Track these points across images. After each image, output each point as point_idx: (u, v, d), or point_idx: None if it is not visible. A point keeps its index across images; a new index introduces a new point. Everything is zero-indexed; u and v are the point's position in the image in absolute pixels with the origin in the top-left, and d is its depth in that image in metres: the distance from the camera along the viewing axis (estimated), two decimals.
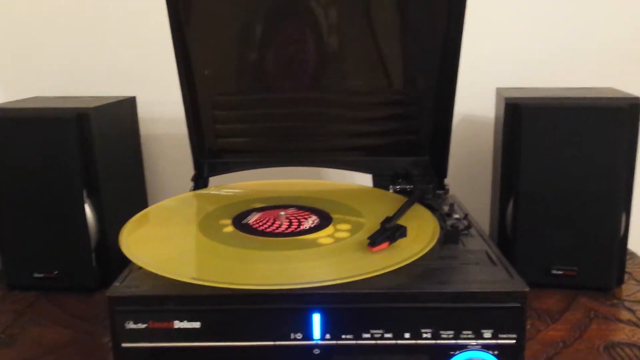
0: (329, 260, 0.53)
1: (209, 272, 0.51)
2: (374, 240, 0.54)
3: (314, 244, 0.57)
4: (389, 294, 0.49)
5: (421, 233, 0.59)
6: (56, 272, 0.78)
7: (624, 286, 0.77)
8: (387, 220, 0.58)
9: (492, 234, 0.88)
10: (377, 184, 0.78)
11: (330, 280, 0.48)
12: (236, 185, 0.77)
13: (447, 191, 0.76)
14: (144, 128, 0.95)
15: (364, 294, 0.49)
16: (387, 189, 0.77)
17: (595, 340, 0.65)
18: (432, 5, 0.71)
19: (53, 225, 0.76)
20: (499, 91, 0.86)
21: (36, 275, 0.78)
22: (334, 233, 0.60)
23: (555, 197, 0.74)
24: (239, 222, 0.63)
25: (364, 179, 0.80)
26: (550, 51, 0.94)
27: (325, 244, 0.57)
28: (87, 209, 0.77)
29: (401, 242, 0.56)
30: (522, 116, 0.74)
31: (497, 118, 0.88)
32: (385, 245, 0.55)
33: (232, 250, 0.55)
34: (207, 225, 0.62)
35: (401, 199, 0.70)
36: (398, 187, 0.76)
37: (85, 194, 0.77)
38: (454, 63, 0.71)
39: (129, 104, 0.88)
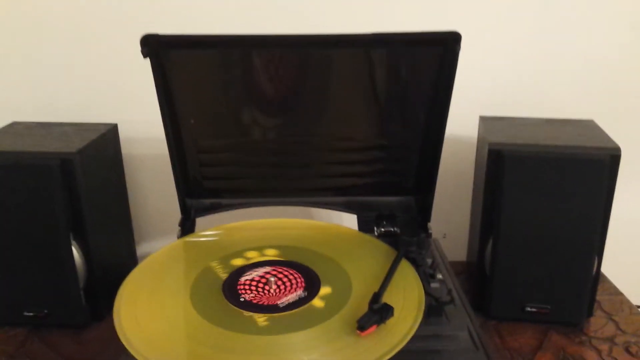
0: (320, 350, 0.55)
1: None
2: (363, 325, 0.56)
3: (305, 322, 0.59)
4: None
5: (407, 305, 0.61)
6: (46, 310, 0.79)
7: (592, 319, 0.82)
8: (374, 298, 0.60)
9: (471, 265, 0.91)
10: (362, 224, 0.79)
11: None
12: (222, 227, 0.78)
13: (429, 235, 0.78)
14: (126, 147, 0.93)
15: None
16: (372, 230, 0.79)
17: None
18: (423, 62, 0.70)
19: (41, 266, 0.76)
20: (482, 122, 0.87)
21: (26, 313, 0.79)
22: (323, 304, 0.62)
23: (533, 240, 0.77)
24: (230, 289, 0.64)
25: (350, 218, 0.81)
26: (534, 76, 0.94)
27: (316, 323, 0.59)
28: (74, 250, 0.77)
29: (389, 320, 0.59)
30: (505, 164, 0.75)
31: (478, 148, 0.89)
32: (373, 328, 0.57)
33: (224, 335, 0.57)
34: (198, 296, 0.63)
35: (385, 249, 0.72)
36: (383, 229, 0.78)
37: (71, 236, 0.77)
38: (442, 113, 0.71)
39: (111, 134, 0.86)
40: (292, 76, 0.72)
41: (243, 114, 0.75)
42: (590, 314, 0.82)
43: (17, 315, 0.79)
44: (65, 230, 0.75)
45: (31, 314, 0.79)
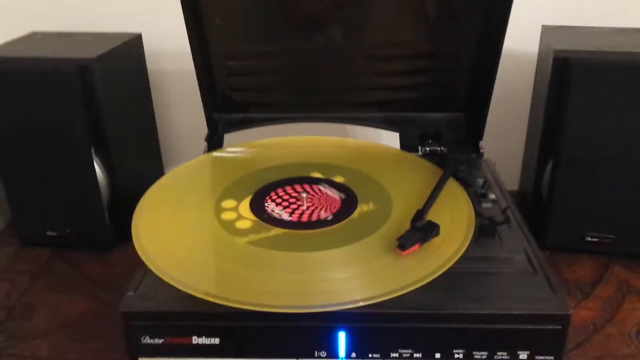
0: (356, 269, 0.49)
1: (227, 285, 0.48)
2: (404, 243, 0.50)
3: (339, 240, 0.53)
4: (420, 315, 0.46)
5: (454, 225, 0.55)
6: (69, 230, 0.75)
7: None
8: (418, 216, 0.53)
9: (525, 191, 0.83)
10: (404, 143, 0.72)
11: (358, 302, 0.45)
12: (252, 144, 0.72)
13: (481, 155, 0.70)
14: (151, 62, 0.87)
15: (393, 315, 0.46)
16: (415, 149, 0.71)
17: (627, 322, 0.63)
18: None
19: (63, 183, 0.72)
20: (545, 32, 0.77)
21: (49, 233, 0.76)
22: (360, 222, 0.56)
23: (599, 161, 0.69)
24: (258, 204, 0.59)
25: (390, 137, 0.74)
26: None
27: (352, 241, 0.53)
28: (97, 166, 0.73)
29: (433, 239, 0.52)
30: (571, 74, 0.66)
31: (540, 61, 0.79)
32: (416, 247, 0.51)
33: (251, 251, 0.52)
34: (224, 212, 0.58)
35: (430, 168, 0.65)
36: (427, 148, 0.71)
37: (93, 151, 0.72)
38: (502, 18, 0.62)
39: (135, 44, 0.79)
40: None
41: (274, 15, 0.67)
42: None
43: (40, 234, 0.76)
44: (85, 142, 0.70)
45: (54, 233, 0.75)
